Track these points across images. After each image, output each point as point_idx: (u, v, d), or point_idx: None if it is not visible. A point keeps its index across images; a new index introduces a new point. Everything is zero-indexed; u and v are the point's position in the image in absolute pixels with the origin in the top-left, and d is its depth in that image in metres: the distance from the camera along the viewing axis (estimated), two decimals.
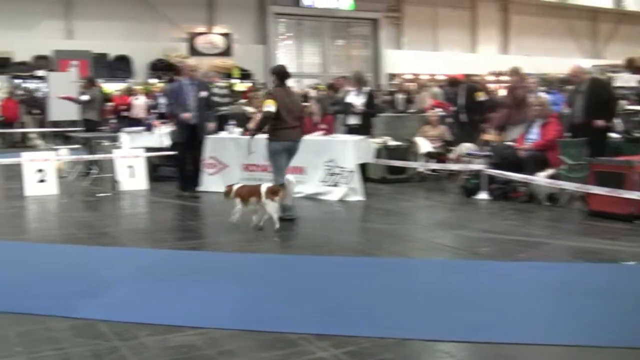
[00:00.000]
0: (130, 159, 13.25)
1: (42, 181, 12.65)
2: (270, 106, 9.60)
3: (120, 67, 31.04)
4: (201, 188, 12.31)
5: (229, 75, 30.96)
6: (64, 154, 15.32)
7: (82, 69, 26.46)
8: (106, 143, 14.71)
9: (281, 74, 10.06)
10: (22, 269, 7.28)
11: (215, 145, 12.49)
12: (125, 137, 14.84)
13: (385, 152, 13.83)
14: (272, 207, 9.13)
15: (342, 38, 38.29)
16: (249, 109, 16.56)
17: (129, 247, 8.44)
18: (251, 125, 13.44)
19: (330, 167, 11.79)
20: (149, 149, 14.02)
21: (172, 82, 14.06)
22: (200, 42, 33.42)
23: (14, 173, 14.56)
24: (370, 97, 12.98)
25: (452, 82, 15.44)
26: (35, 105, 26.24)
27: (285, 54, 36.89)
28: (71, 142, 16.65)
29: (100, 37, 30.56)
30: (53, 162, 13.04)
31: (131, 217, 11.01)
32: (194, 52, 32.67)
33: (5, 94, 26.91)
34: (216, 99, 14.71)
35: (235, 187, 9.48)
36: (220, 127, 13.03)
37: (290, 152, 9.98)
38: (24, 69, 29.44)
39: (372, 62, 38.05)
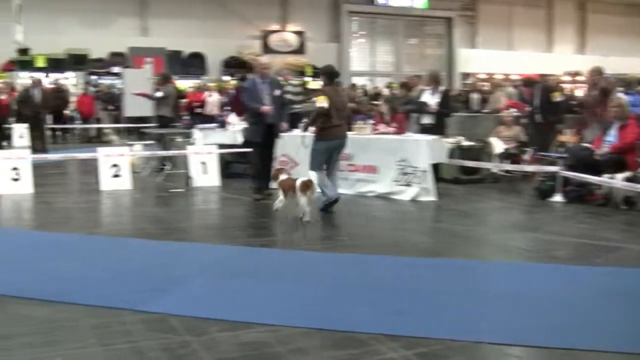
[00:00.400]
0: (203, 156, 13.41)
1: (116, 176, 12.89)
2: (322, 102, 10.12)
3: (194, 64, 31.43)
4: (273, 185, 12.30)
5: (302, 73, 31.05)
6: (138, 149, 15.59)
7: (156, 65, 26.82)
8: (179, 139, 14.91)
9: (330, 73, 10.61)
10: (96, 262, 7.44)
11: (288, 143, 12.49)
12: (198, 134, 15.02)
13: (458, 152, 13.72)
14: (304, 201, 9.58)
15: (415, 37, 38.12)
16: None
17: (201, 243, 8.53)
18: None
19: (402, 166, 11.73)
20: (221, 146, 14.18)
21: (246, 80, 14.12)
22: (274, 40, 33.64)
23: (90, 168, 14.87)
24: (445, 96, 12.84)
25: (527, 82, 15.17)
26: (111, 101, 26.73)
27: (358, 52, 36.88)
28: (145, 138, 16.91)
29: (175, 35, 31.01)
30: (127, 157, 13.27)
31: (203, 213, 11.14)
32: (267, 49, 32.92)
33: (82, 90, 27.47)
34: (289, 97, 14.74)
35: (281, 178, 10.10)
36: (293, 125, 13.05)
37: (337, 149, 10.53)
38: (100, 66, 30.04)
39: (445, 61, 37.79)
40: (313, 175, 9.84)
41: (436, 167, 12.15)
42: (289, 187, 9.86)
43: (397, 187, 11.81)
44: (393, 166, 11.84)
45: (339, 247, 8.30)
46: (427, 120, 12.58)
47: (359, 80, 32.69)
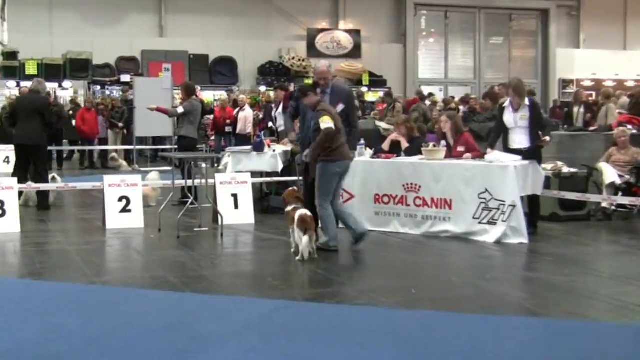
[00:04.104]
0: (235, 186, 13.46)
1: (126, 211, 13.00)
2: (329, 122, 10.51)
3: (222, 71, 31.62)
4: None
5: (357, 82, 31.13)
6: (154, 178, 15.69)
7: (176, 73, 27.12)
8: (205, 165, 14.99)
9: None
10: (101, 319, 7.47)
11: None
12: (228, 159, 15.07)
13: (557, 181, 13.60)
14: (298, 236, 10.13)
15: (500, 35, 37.98)
16: (383, 125, 16.57)
17: (231, 296, 8.55)
18: (385, 145, 13.48)
19: (485, 199, 11.67)
20: (257, 173, 14.25)
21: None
22: (323, 41, 33.75)
23: (93, 200, 15.04)
24: (535, 109, 12.54)
25: None
26: (119, 117, 26.89)
27: (427, 55, 36.86)
28: (162, 163, 17.04)
29: (199, 35, 31.24)
30: (140, 188, 13.38)
31: (234, 258, 11.17)
32: (314, 52, 32.96)
33: (83, 103, 27.62)
34: None
35: (289, 207, 10.53)
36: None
37: (346, 172, 11.09)
38: (106, 74, 30.36)
39: (539, 65, 37.53)
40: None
41: (535, 201, 12.22)
42: (291, 220, 10.31)
43: (478, 226, 11.74)
44: (472, 200, 11.77)
45: (407, 301, 8.26)
46: (517, 142, 12.32)
47: (428, 91, 32.64)
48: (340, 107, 11.39)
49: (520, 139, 12.21)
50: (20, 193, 14.40)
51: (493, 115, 14.36)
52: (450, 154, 12.64)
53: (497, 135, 12.58)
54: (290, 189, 11.24)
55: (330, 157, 10.65)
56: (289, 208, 10.51)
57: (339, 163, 10.72)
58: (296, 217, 10.14)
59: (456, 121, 13.34)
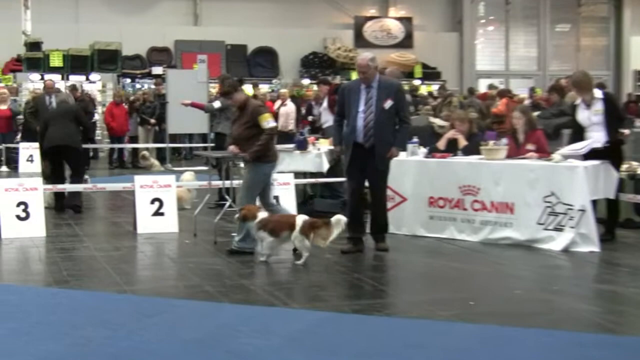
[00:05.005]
0: (276, 188, 13.46)
1: (158, 214, 13.04)
2: (272, 121, 11.14)
3: (262, 63, 31.63)
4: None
5: (409, 74, 31.02)
6: (188, 178, 15.73)
7: (212, 65, 27.16)
8: (243, 165, 15.02)
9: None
10: (132, 331, 7.52)
11: (392, 171, 12.37)
12: None
13: (632, 184, 13.46)
14: (305, 245, 10.49)
15: (567, 22, 37.73)
16: (437, 122, 16.50)
17: (272, 307, 8.54)
18: (441, 144, 13.35)
19: (550, 203, 11.58)
20: (300, 174, 14.23)
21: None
22: (371, 30, 33.69)
23: (123, 202, 15.09)
24: (611, 102, 12.40)
25: None
26: (151, 113, 26.94)
27: (486, 45, 36.68)
28: (198, 162, 17.03)
29: (236, 24, 31.25)
30: (174, 189, 13.43)
31: (276, 266, 11.15)
32: (361, 42, 32.91)
33: (112, 97, 27.69)
34: None
35: (260, 216, 10.56)
36: None
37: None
38: (136, 66, 30.46)
39: (611, 55, 37.18)
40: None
41: (614, 206, 12.16)
42: (284, 227, 10.53)
43: (543, 232, 11.65)
44: (537, 203, 11.67)
45: (465, 314, 8.23)
46: (596, 142, 12.14)
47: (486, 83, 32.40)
48: (389, 103, 11.18)
49: (597, 137, 12.05)
50: (61, 196, 14.57)
51: (560, 111, 14.22)
52: (518, 151, 12.48)
53: (577, 135, 12.35)
54: (251, 205, 11.07)
55: (267, 158, 11.17)
56: (261, 216, 10.68)
57: (273, 164, 11.34)
58: (299, 223, 10.45)
59: (530, 117, 13.11)
